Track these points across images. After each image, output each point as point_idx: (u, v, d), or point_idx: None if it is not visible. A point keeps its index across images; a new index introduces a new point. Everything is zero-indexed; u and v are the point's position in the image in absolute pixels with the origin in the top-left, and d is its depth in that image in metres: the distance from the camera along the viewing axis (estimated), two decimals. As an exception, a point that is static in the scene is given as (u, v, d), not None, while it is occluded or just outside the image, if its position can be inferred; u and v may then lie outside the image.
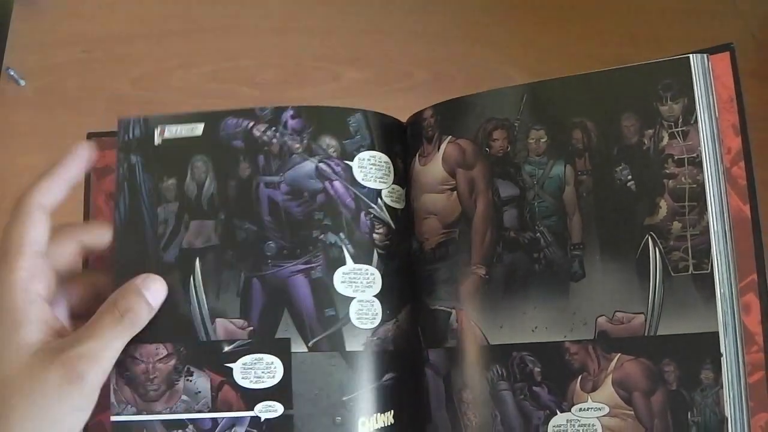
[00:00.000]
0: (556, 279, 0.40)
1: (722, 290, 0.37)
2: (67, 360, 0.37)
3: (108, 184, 0.48)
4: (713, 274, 0.37)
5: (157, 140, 0.45)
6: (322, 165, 0.44)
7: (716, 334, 0.37)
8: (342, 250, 0.43)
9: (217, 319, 0.43)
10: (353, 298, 0.42)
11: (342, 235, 0.43)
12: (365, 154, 0.44)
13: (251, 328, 0.42)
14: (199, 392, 0.42)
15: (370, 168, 0.44)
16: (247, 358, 0.42)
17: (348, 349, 0.42)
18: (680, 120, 0.39)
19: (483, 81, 0.72)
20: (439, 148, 0.44)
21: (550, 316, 0.40)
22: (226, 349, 0.42)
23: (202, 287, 0.43)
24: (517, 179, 0.41)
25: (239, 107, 0.45)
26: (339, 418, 0.41)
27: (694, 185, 0.38)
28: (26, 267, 0.39)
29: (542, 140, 0.41)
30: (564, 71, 0.70)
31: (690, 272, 0.38)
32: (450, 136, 0.43)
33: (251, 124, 0.44)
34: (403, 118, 0.47)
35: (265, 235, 0.43)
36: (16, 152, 0.74)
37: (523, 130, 0.42)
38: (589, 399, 0.39)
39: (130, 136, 0.45)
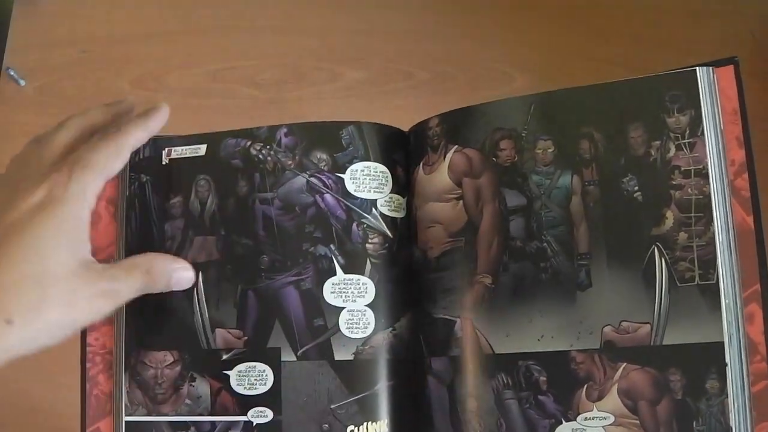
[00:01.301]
0: (562, 288, 0.40)
1: (727, 300, 0.38)
2: None
3: (108, 190, 0.48)
4: (719, 284, 0.38)
5: (164, 160, 0.47)
6: (313, 179, 0.44)
7: (721, 344, 0.37)
8: (332, 261, 0.43)
9: (217, 329, 0.44)
10: (343, 308, 0.43)
11: (332, 246, 0.44)
12: (358, 166, 0.44)
13: (246, 337, 0.44)
14: (200, 397, 0.44)
15: (364, 179, 0.44)
16: (241, 366, 0.43)
17: (337, 358, 0.42)
18: (687, 132, 0.39)
19: (483, 81, 0.72)
20: (444, 157, 0.44)
21: (556, 325, 0.40)
22: (224, 357, 0.44)
23: (204, 299, 0.45)
24: (524, 189, 0.42)
25: (239, 128, 0.46)
26: (326, 425, 0.42)
27: (701, 196, 0.39)
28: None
29: (549, 150, 0.41)
30: (564, 71, 0.70)
31: (696, 282, 0.38)
32: (456, 146, 0.44)
33: (249, 143, 0.46)
34: (403, 118, 0.47)
35: (260, 249, 0.44)
36: (15, 152, 0.74)
37: (531, 140, 0.42)
38: (595, 408, 0.39)
39: (141, 156, 0.47)
